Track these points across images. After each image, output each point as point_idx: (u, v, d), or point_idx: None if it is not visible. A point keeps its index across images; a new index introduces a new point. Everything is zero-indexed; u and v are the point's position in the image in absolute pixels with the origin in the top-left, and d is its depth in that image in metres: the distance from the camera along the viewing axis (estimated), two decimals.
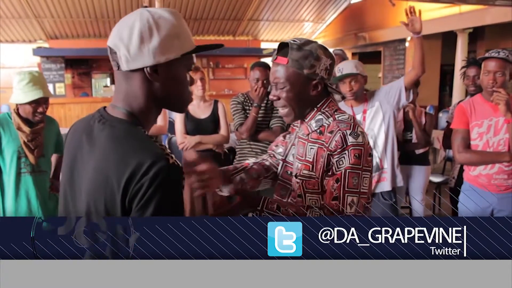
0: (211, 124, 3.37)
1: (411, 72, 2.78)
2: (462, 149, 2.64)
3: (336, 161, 1.40)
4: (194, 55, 1.13)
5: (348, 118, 1.46)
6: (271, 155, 1.76)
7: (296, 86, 1.44)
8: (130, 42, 1.01)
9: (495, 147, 2.55)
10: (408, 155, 3.53)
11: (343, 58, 4.60)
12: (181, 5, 10.53)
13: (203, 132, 3.33)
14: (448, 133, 3.09)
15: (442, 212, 4.91)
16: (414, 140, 3.54)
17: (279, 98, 1.47)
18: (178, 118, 3.36)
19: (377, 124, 2.80)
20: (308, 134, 1.50)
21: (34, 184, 2.50)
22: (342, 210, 1.38)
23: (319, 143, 1.45)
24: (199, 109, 3.38)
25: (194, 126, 3.29)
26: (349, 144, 1.38)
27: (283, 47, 1.45)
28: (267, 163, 1.73)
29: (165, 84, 1.07)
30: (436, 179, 4.75)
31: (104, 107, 1.11)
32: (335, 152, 1.40)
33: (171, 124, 4.91)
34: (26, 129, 2.42)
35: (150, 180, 0.94)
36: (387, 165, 2.86)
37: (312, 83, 1.45)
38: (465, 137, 2.64)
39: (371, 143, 2.82)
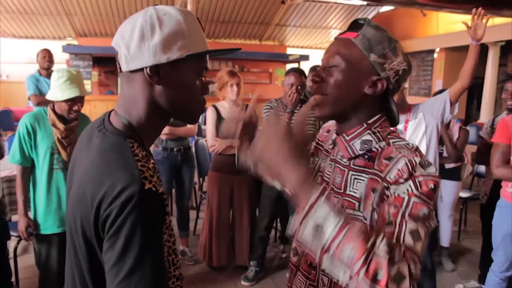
0: None
1: (456, 84, 2.62)
2: (501, 163, 2.57)
3: (393, 191, 0.96)
4: (208, 59, 1.00)
5: (409, 144, 1.03)
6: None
7: (353, 70, 1.03)
8: (131, 40, 0.91)
9: None
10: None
11: None
12: (209, 8, 10.60)
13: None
14: (482, 148, 3.01)
15: (468, 229, 4.81)
16: (445, 154, 3.48)
17: (322, 80, 1.07)
18: (210, 121, 3.36)
19: (419, 135, 2.67)
20: (351, 160, 1.07)
21: (65, 181, 2.51)
22: (398, 237, 0.89)
23: (370, 172, 1.02)
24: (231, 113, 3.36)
25: None
26: (417, 174, 0.94)
27: (357, 25, 1.09)
28: None
29: (168, 89, 0.94)
30: (464, 194, 4.65)
31: (111, 111, 1.01)
32: (396, 184, 0.96)
33: (198, 127, 4.91)
34: (61, 125, 2.44)
35: (120, 206, 0.82)
36: None
37: (372, 78, 1.03)
38: (506, 151, 2.57)
39: None
